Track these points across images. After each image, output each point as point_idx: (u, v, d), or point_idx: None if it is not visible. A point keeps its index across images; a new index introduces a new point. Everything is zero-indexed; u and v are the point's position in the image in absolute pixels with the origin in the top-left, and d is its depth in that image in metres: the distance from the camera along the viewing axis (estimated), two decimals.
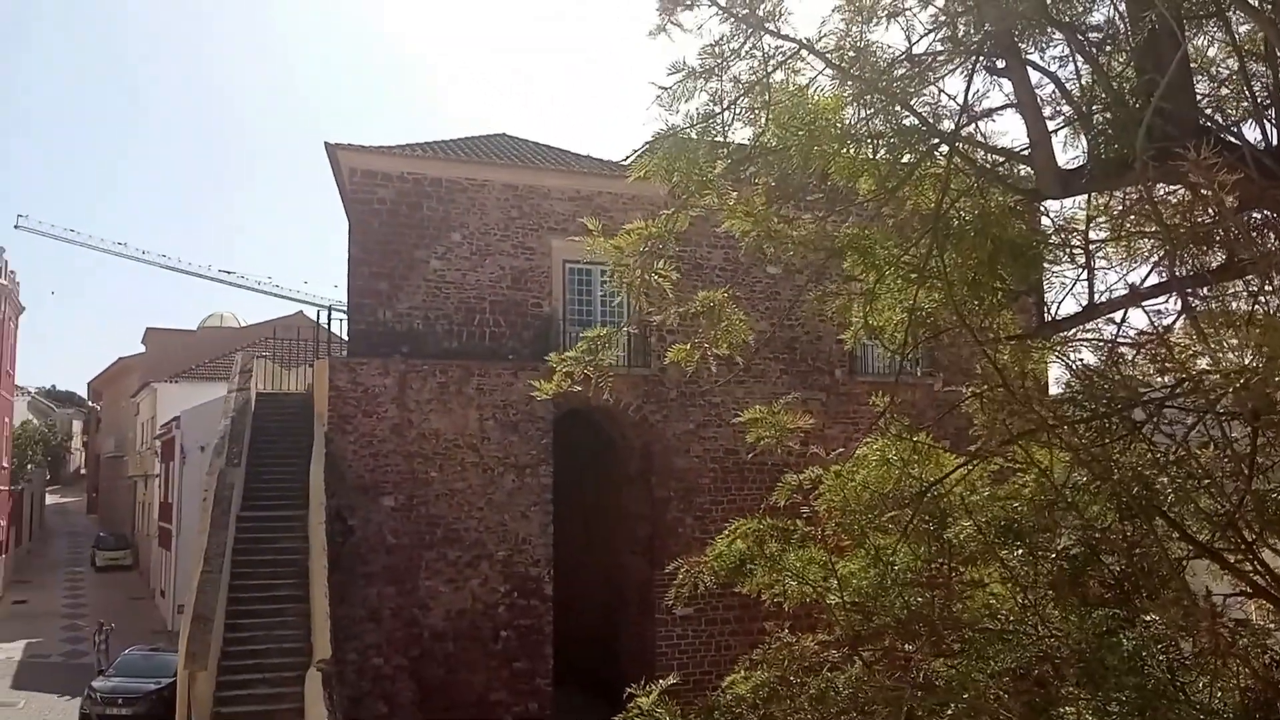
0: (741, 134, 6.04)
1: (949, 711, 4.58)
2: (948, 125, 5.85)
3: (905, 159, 6.01)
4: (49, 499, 66.26)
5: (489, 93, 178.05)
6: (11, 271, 41.67)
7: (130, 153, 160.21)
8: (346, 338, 21.23)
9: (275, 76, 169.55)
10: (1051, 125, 5.72)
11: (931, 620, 5.45)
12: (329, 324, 25.04)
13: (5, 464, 42.77)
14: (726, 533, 5.94)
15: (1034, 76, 5.67)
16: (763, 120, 5.87)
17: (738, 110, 5.93)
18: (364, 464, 19.08)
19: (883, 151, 6.00)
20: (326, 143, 20.38)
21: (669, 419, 21.29)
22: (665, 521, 20.94)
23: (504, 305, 21.02)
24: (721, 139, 5.77)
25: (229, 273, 64.66)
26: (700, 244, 20.29)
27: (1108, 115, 5.74)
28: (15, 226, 62.01)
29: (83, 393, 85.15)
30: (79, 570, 47.63)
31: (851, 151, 5.88)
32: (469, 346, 20.63)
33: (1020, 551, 5.38)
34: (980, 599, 5.57)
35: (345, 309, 21.58)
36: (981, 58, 5.63)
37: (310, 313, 42.95)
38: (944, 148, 5.77)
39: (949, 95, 5.98)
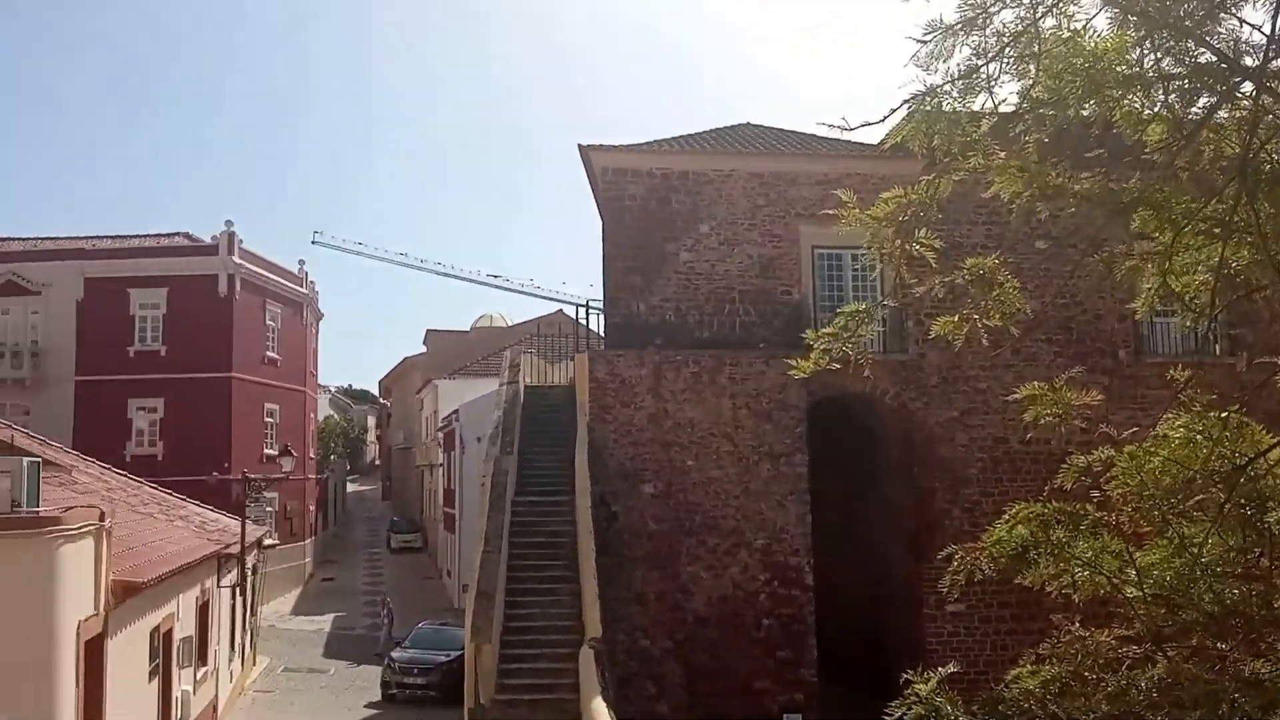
0: (1008, 88, 5.63)
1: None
2: (1251, 61, 5.18)
3: (1202, 101, 5.39)
4: (349, 487, 73.42)
5: (742, 82, 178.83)
6: (311, 282, 46.43)
7: (408, 168, 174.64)
8: (604, 332, 22.02)
9: (532, 85, 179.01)
10: None
11: (1249, 616, 4.84)
12: (587, 320, 26.07)
13: (312, 455, 47.81)
14: (1006, 517, 5.54)
15: None
16: (1032, 71, 5.44)
17: (1003, 63, 5.54)
18: (624, 452, 19.69)
19: (1175, 95, 5.40)
20: (580, 144, 21.21)
21: (930, 406, 20.45)
22: (931, 513, 20.13)
23: (753, 294, 21.00)
24: (986, 94, 5.40)
25: (496, 276, 69.03)
26: (960, 221, 19.32)
27: None
28: (312, 242, 69.44)
29: (375, 390, 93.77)
30: (376, 551, 52.51)
31: (1138, 97, 5.34)
32: (720, 336, 20.78)
33: None
34: None
35: (601, 304, 22.38)
36: None
37: (569, 310, 45.05)
38: (1248, 86, 5.11)
39: (1252, 26, 5.29)
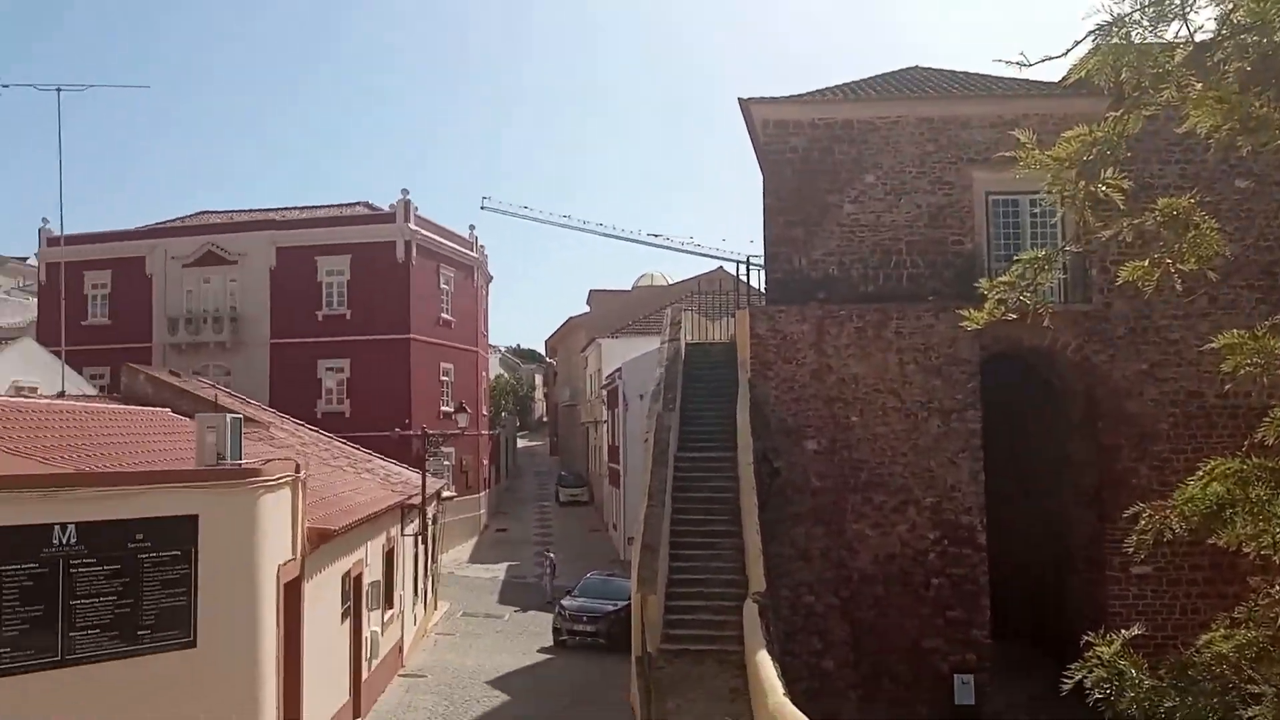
0: (1204, 14, 5.17)
1: None
2: None
3: None
4: (519, 443, 76.10)
5: (920, 22, 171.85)
6: (481, 246, 47.96)
7: (572, 130, 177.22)
8: (764, 288, 21.80)
9: (693, 40, 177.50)
10: None
11: None
12: (747, 276, 25.91)
13: (485, 412, 49.73)
14: (1200, 473, 5.17)
15: None
16: None
17: None
18: (786, 408, 19.53)
19: None
20: (740, 98, 20.90)
21: (1116, 359, 19.29)
22: (1115, 471, 19.07)
23: (921, 245, 20.30)
24: (1180, 21, 4.98)
25: (656, 236, 69.62)
26: (1150, 160, 18.02)
27: None
28: (481, 207, 72.02)
29: (542, 349, 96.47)
30: (545, 504, 54.35)
31: None
32: (886, 289, 20.23)
33: None
34: None
35: (762, 260, 22.17)
36: None
37: (730, 267, 44.89)
38: None
39: None
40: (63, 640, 9.05)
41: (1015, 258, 5.74)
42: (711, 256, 67.74)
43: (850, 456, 19.29)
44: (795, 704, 11.39)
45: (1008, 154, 5.83)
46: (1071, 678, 5.09)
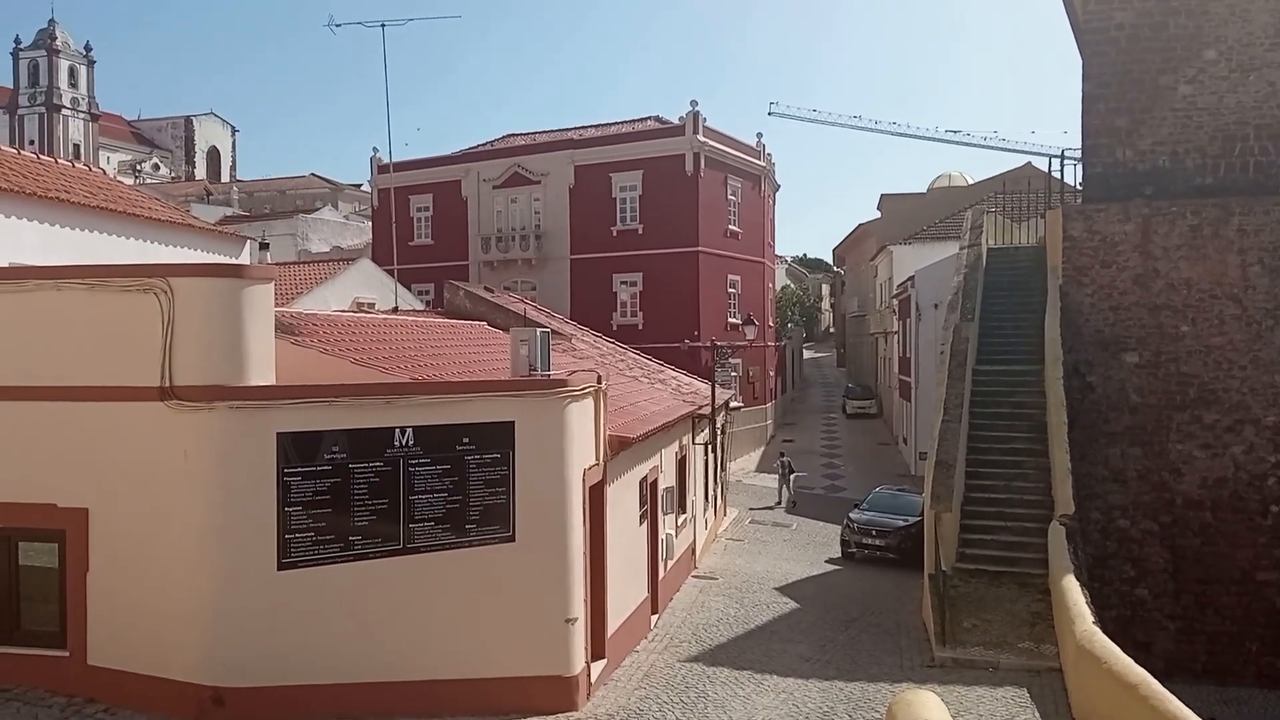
0: None
1: None
2: None
3: None
4: (805, 354, 75.66)
5: None
6: (768, 154, 47.35)
7: (863, 27, 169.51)
8: (1080, 184, 19.95)
9: None
10: None
11: None
12: (1060, 172, 23.84)
13: (771, 323, 49.75)
14: None
15: None
16: None
17: None
18: (1102, 317, 17.99)
19: None
20: None
21: None
22: None
23: (1273, 129, 17.74)
24: None
25: (954, 132, 65.70)
26: None
27: None
28: (769, 113, 71.10)
29: (829, 259, 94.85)
30: (832, 416, 53.92)
31: None
32: (1227, 182, 17.91)
33: None
34: None
35: (1078, 154, 20.26)
36: None
37: (1039, 163, 41.52)
38: None
39: None
40: (404, 530, 10.22)
41: None
42: (1018, 151, 63.33)
43: (1177, 370, 17.53)
44: (1105, 633, 10.74)
45: None
46: None
